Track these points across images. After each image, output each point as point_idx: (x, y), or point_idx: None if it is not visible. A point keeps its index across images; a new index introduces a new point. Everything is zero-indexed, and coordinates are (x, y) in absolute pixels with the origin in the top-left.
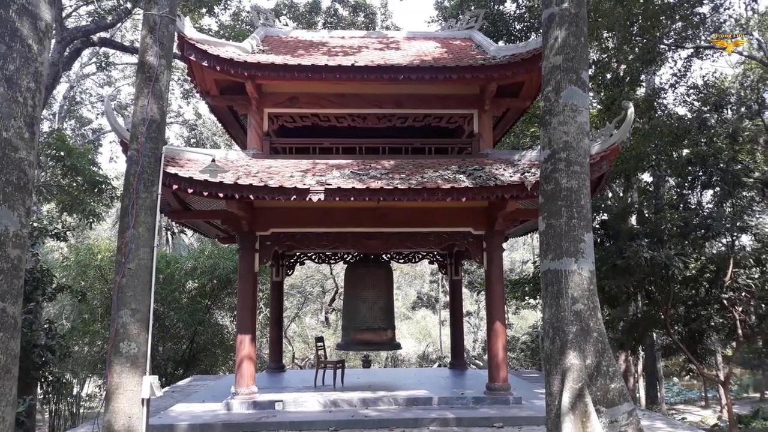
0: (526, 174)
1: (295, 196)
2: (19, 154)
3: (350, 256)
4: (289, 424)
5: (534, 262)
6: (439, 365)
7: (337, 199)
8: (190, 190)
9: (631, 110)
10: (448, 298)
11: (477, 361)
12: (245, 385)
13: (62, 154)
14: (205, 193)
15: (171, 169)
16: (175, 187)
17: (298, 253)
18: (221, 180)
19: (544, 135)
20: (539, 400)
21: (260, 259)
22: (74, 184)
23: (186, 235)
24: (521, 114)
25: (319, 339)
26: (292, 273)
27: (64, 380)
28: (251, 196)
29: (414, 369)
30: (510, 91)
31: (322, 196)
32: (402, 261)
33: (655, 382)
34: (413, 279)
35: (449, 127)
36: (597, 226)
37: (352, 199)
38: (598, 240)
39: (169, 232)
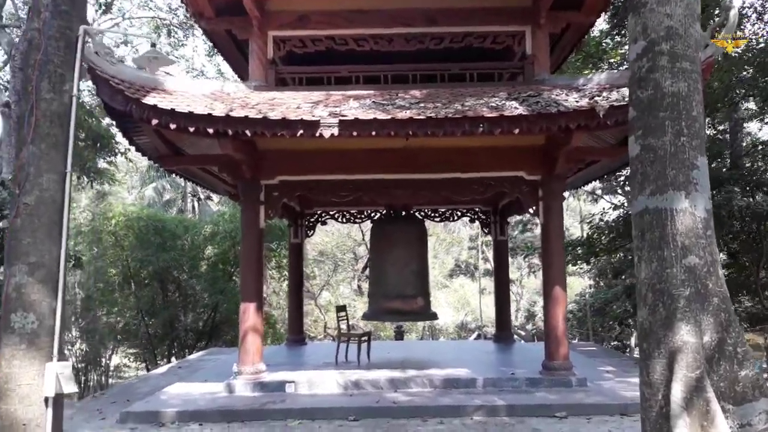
0: (596, 98)
1: (302, 131)
2: None
3: (378, 214)
4: (299, 412)
5: (589, 221)
6: (478, 335)
7: (356, 134)
8: (172, 126)
9: (734, 11)
10: (487, 265)
11: (519, 331)
12: (250, 362)
13: None
14: (191, 129)
15: (150, 100)
16: (155, 122)
17: (318, 211)
18: (210, 113)
19: (635, 22)
20: (606, 381)
21: (266, 213)
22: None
23: (212, 201)
24: (583, 35)
25: (341, 308)
26: (313, 234)
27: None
28: (247, 132)
29: (453, 342)
30: (570, 1)
31: (335, 131)
32: (438, 219)
33: None
34: (450, 246)
35: (495, 48)
36: None
37: (374, 134)
38: None
39: (195, 199)
